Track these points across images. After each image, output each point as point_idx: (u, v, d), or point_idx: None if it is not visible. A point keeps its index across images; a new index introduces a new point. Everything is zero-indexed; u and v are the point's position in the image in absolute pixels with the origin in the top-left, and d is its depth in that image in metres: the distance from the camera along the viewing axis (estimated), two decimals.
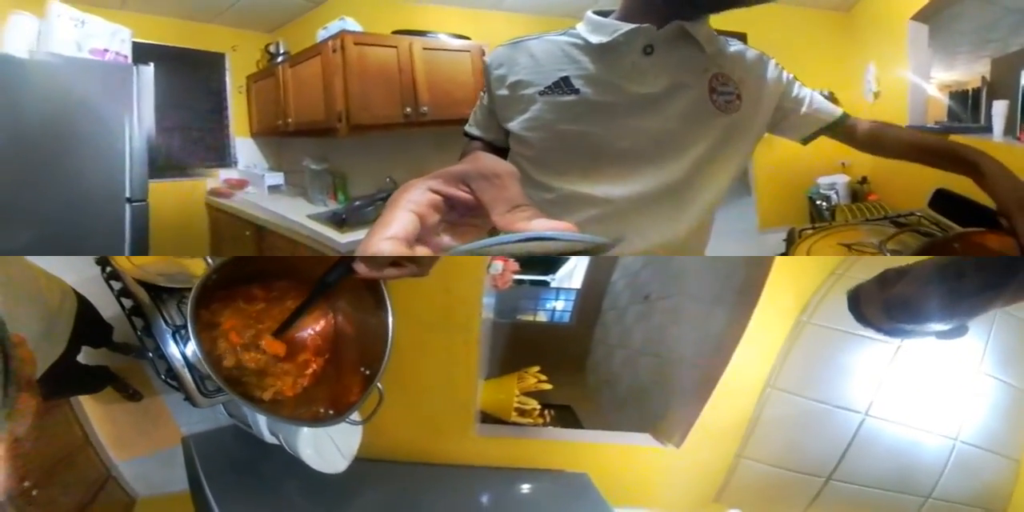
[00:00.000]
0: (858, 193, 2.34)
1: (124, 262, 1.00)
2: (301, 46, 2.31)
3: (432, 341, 1.27)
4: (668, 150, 0.75)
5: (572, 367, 2.35)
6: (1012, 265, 0.59)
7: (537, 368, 1.74)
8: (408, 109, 1.97)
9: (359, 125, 2.02)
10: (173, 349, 0.95)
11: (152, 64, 1.63)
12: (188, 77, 2.44)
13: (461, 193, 0.38)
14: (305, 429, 0.90)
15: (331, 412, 0.79)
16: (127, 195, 1.59)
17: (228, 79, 2.54)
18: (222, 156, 2.57)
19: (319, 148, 2.43)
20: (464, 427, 1.40)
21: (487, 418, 1.53)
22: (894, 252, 0.96)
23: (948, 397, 1.36)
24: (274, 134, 2.48)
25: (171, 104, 2.35)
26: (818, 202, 2.37)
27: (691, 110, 0.75)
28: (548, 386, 1.70)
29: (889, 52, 2.20)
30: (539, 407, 1.66)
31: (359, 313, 0.89)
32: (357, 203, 2.29)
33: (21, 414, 0.44)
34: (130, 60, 1.74)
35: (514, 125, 0.80)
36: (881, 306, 0.65)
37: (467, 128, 0.92)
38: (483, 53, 2.09)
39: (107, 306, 1.14)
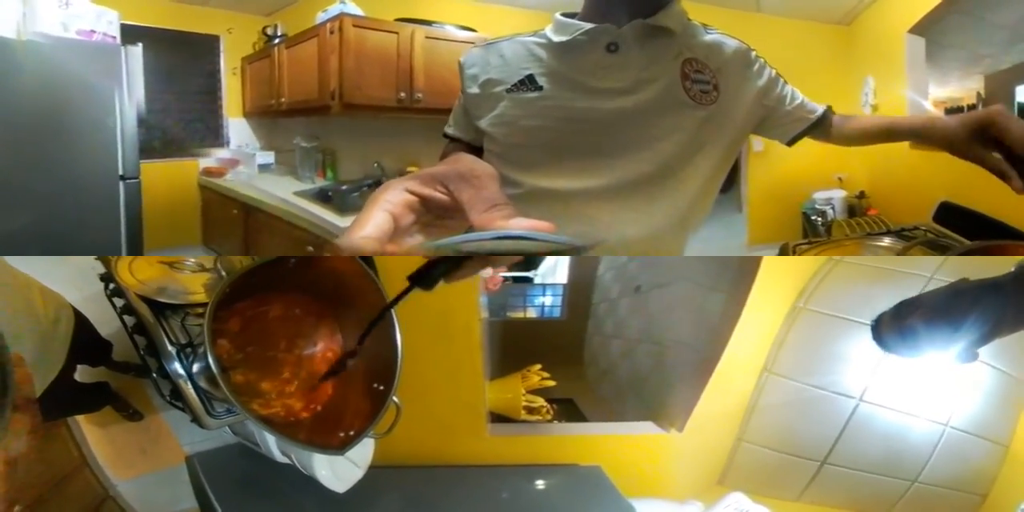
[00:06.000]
0: (856, 208, 2.28)
1: (127, 277, 0.97)
2: (299, 28, 2.27)
3: (435, 347, 1.26)
4: (634, 145, 0.74)
5: (569, 361, 2.35)
6: (1006, 293, 0.59)
7: (539, 366, 1.75)
8: (402, 94, 1.94)
9: (351, 104, 1.99)
10: (178, 369, 0.92)
11: (141, 45, 1.64)
12: (182, 59, 2.43)
13: (438, 194, 0.39)
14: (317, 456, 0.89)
15: (351, 433, 0.77)
16: (120, 173, 1.62)
17: (222, 61, 2.53)
18: (215, 136, 2.59)
19: (311, 127, 2.41)
20: (476, 429, 1.40)
21: (496, 418, 1.53)
22: None
23: (941, 384, 1.37)
24: (266, 114, 2.47)
25: (164, 86, 2.34)
26: (813, 217, 2.32)
27: (661, 103, 0.73)
28: (551, 383, 1.71)
29: (887, 65, 2.18)
30: (546, 404, 1.67)
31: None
32: (344, 187, 2.26)
33: (16, 434, 0.43)
34: (118, 41, 1.74)
35: (483, 122, 0.81)
36: (898, 336, 0.67)
37: (446, 129, 0.92)
38: None
39: (107, 323, 1.11)
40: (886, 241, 1.16)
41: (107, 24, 1.71)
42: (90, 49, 1.63)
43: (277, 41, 2.40)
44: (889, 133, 0.88)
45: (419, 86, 1.94)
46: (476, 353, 1.33)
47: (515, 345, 1.94)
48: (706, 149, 0.77)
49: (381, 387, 0.83)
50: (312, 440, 0.78)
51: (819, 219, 2.30)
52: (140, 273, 1.00)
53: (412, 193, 0.39)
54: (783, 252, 1.16)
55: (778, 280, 1.40)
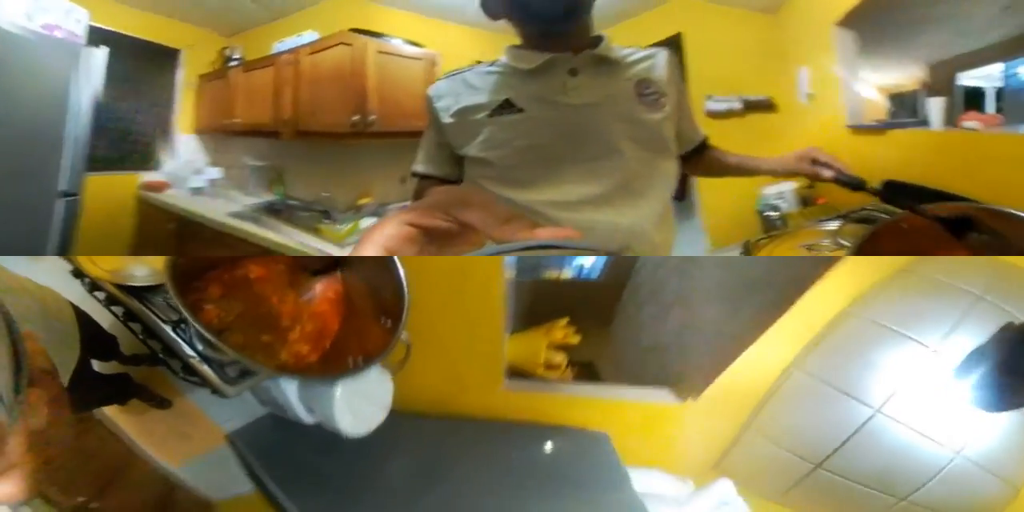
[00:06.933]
0: (807, 198, 2.27)
1: (95, 269, 0.94)
2: (256, 53, 2.27)
3: (455, 298, 1.24)
4: (616, 147, 0.82)
5: (597, 323, 2.28)
6: None
7: (565, 320, 1.68)
8: (356, 117, 1.87)
9: (305, 131, 1.98)
10: (180, 343, 0.90)
11: (106, 48, 1.49)
12: (140, 69, 2.32)
13: (441, 222, 0.39)
14: (338, 396, 0.86)
15: (360, 359, 0.76)
16: (61, 188, 1.39)
17: (180, 75, 2.46)
18: (162, 150, 2.47)
19: (261, 147, 2.39)
20: (492, 382, 1.37)
21: (515, 372, 1.49)
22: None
23: (965, 412, 1.28)
24: (218, 131, 2.44)
25: (118, 95, 2.21)
26: (767, 213, 2.31)
27: (625, 113, 0.83)
28: (576, 339, 1.65)
29: (819, 56, 2.14)
30: (566, 361, 1.62)
31: (368, 268, 0.86)
32: (291, 202, 2.26)
33: (33, 407, 0.42)
34: (83, 42, 1.59)
35: (471, 149, 0.84)
36: (987, 394, 0.68)
37: (416, 167, 0.93)
38: (435, 63, 2.01)
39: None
40: (833, 225, 1.17)
41: (75, 22, 1.57)
42: (50, 44, 1.45)
43: (234, 63, 2.39)
44: (745, 169, 1.03)
45: (372, 107, 1.87)
46: (497, 305, 1.30)
47: (544, 303, 1.88)
48: (670, 146, 0.89)
49: (389, 323, 0.82)
50: (325, 372, 0.76)
51: (774, 214, 2.29)
52: (104, 264, 0.97)
53: (413, 225, 0.38)
54: (745, 250, 1.18)
55: (839, 282, 1.37)
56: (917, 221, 0.79)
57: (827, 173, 0.90)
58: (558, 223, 0.76)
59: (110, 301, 0.99)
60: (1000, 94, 1.67)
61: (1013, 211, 0.75)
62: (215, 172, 2.47)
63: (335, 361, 0.80)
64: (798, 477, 1.40)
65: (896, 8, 1.76)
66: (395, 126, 1.88)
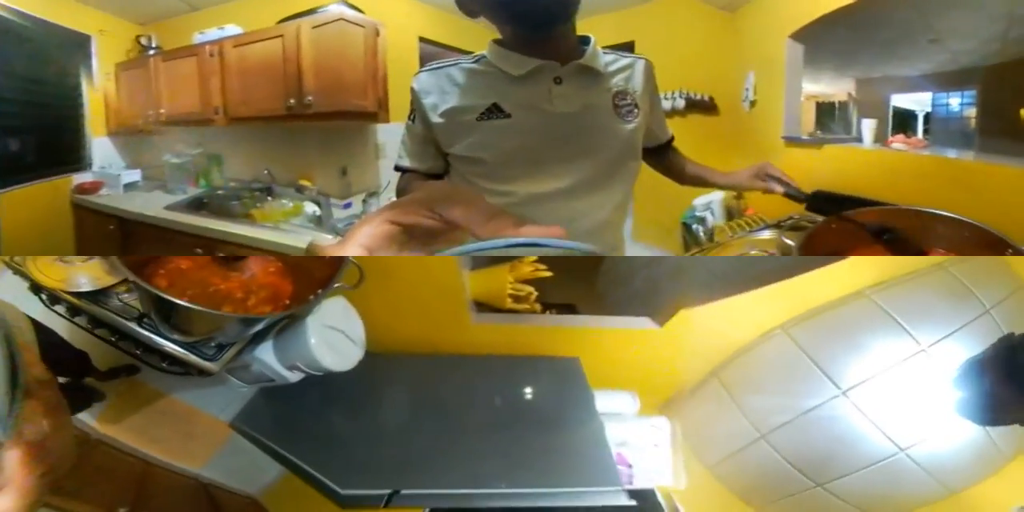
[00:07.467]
0: (733, 210, 2.23)
1: (47, 280, 0.95)
2: (175, 42, 2.18)
3: None
4: (591, 151, 0.92)
5: (583, 267, 2.31)
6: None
7: (534, 258, 1.66)
8: (292, 101, 1.83)
9: (238, 118, 1.94)
10: (152, 337, 0.93)
11: None
12: (49, 58, 2.08)
13: (424, 220, 0.39)
14: (313, 340, 0.94)
15: (319, 291, 0.86)
16: None
17: (95, 63, 2.30)
18: (87, 148, 2.32)
19: (194, 135, 2.34)
20: (459, 316, 1.42)
21: (484, 308, 1.53)
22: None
23: (928, 416, 1.30)
24: (144, 122, 2.34)
25: (25, 89, 1.96)
26: (694, 227, 2.27)
27: (602, 123, 0.92)
28: (547, 274, 1.65)
29: (768, 64, 2.14)
30: (535, 292, 1.62)
31: None
32: (232, 184, 2.25)
33: (28, 418, 0.42)
34: None
35: (459, 149, 0.91)
36: (979, 404, 0.74)
37: (401, 162, 0.99)
38: (377, 33, 1.94)
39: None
40: (765, 234, 1.22)
41: None
42: None
43: (152, 52, 2.28)
44: (702, 181, 1.13)
45: (308, 88, 1.81)
46: None
47: None
48: (638, 149, 1.00)
49: None
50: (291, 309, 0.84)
51: (699, 227, 2.26)
52: (53, 274, 0.97)
53: (395, 223, 0.39)
54: None
55: (865, 264, 1.36)
56: (842, 224, 0.94)
57: (778, 188, 1.01)
58: (531, 212, 0.89)
59: (72, 312, 1.01)
60: (928, 119, 1.86)
61: (923, 209, 0.91)
62: (138, 171, 2.39)
63: (297, 302, 0.87)
64: (740, 445, 1.44)
65: (843, 26, 1.85)
66: (334, 106, 1.84)
